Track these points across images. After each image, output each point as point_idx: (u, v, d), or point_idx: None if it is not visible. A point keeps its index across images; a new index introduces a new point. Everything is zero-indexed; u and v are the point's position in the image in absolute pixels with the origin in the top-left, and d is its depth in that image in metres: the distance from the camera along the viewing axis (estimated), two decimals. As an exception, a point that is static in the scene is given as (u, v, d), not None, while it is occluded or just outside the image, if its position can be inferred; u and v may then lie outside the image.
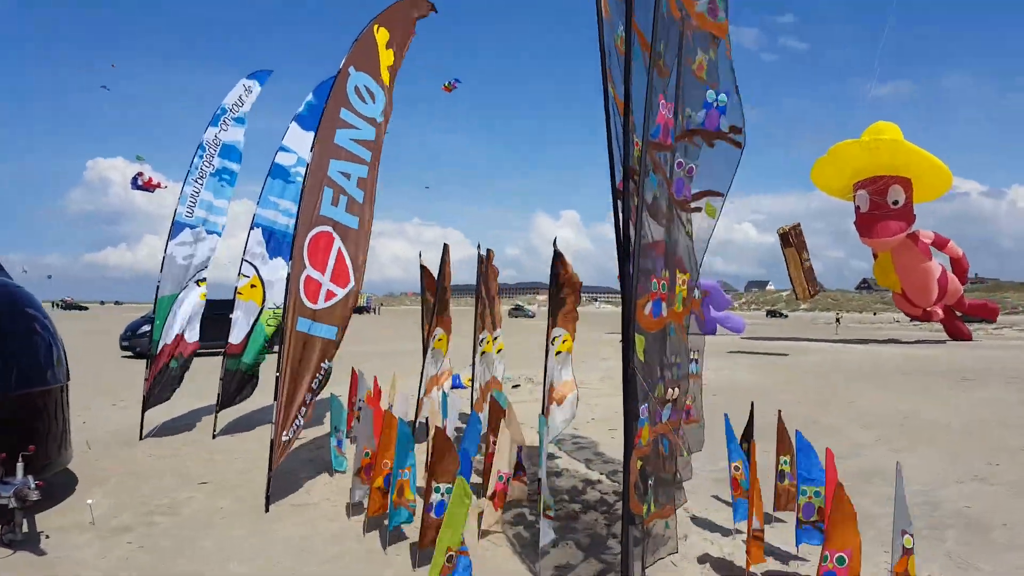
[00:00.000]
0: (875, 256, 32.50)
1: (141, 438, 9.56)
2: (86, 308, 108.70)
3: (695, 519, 6.54)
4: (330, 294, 7.45)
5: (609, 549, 5.72)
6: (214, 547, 5.71)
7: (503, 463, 6.32)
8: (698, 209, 5.19)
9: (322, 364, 7.25)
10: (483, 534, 5.95)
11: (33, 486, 5.32)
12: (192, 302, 10.39)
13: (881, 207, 28.27)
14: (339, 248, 7.61)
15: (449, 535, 4.15)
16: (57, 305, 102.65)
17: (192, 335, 10.42)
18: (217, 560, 5.44)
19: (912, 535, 4.25)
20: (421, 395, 9.10)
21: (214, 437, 9.81)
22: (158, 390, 10.01)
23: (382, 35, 8.38)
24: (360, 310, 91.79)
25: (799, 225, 30.39)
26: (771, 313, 55.22)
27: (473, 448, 6.65)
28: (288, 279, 7.12)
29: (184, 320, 10.33)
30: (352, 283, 7.62)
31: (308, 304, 7.16)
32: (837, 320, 45.98)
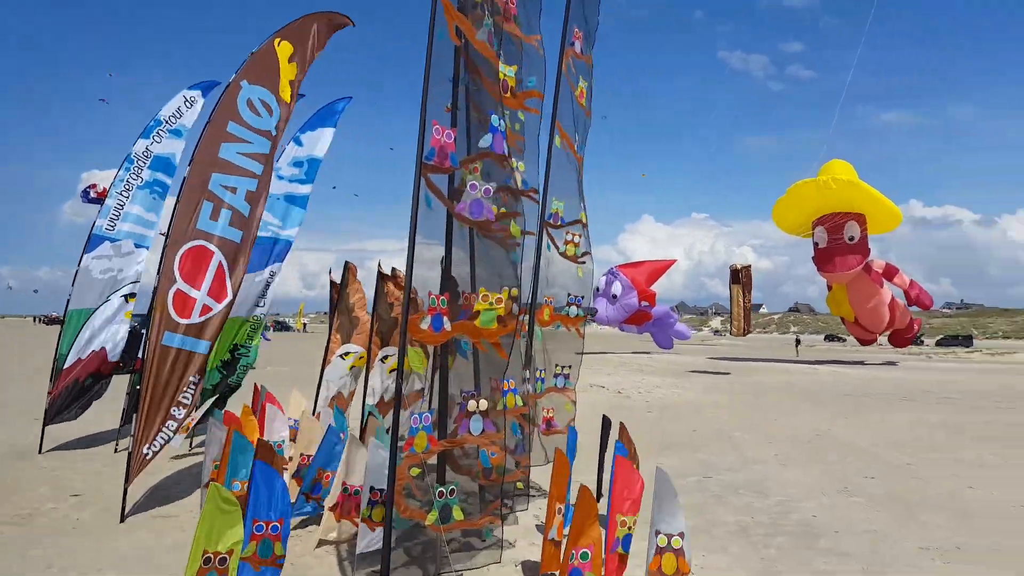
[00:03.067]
0: (829, 288, 33.49)
1: (40, 451, 9.62)
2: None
3: (540, 527, 6.60)
4: (206, 308, 7.52)
5: (439, 559, 5.81)
6: (44, 556, 5.78)
7: (350, 475, 6.41)
8: (503, 230, 5.27)
9: (190, 378, 7.35)
10: (320, 543, 6.04)
11: None
12: (115, 318, 10.36)
13: (838, 242, 29.50)
14: (220, 262, 7.72)
15: (204, 536, 4.21)
16: (39, 320, 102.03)
17: (115, 353, 10.40)
18: (39, 569, 5.51)
19: (677, 535, 4.38)
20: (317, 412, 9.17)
21: (116, 451, 9.87)
22: (63, 405, 10.05)
23: (284, 49, 8.53)
24: (282, 326, 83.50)
25: (750, 267, 31.73)
26: (830, 337, 58.63)
27: (327, 462, 6.72)
28: (155, 293, 7.24)
29: (105, 336, 10.32)
30: (229, 296, 7.72)
31: (178, 319, 7.25)
32: (797, 342, 46.65)
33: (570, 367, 7.56)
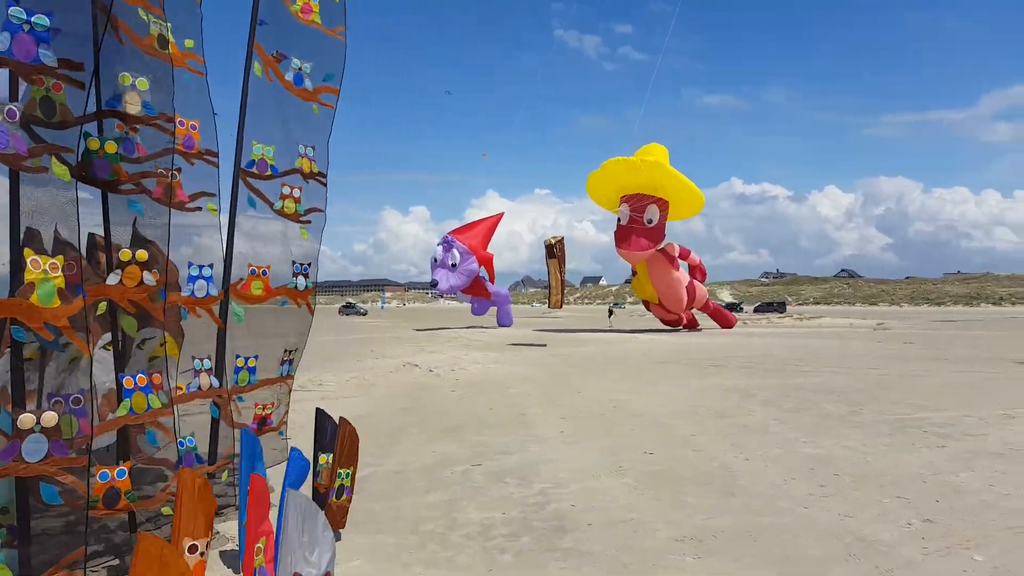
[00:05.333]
0: (634, 273, 34.75)
1: None
2: None
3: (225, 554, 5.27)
4: None
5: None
6: None
7: None
8: (42, 169, 3.69)
9: None
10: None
11: None
12: None
13: (637, 223, 30.24)
14: None
15: None
16: None
17: None
18: None
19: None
20: None
21: None
22: None
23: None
24: None
25: (563, 239, 32.03)
26: (731, 307, 66.26)
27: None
28: None
29: None
30: None
31: None
32: (610, 312, 48.17)
33: (296, 351, 6.22)
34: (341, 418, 5.22)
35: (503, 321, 40.72)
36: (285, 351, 6.01)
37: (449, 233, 37.55)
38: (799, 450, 8.12)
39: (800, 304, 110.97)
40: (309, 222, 6.12)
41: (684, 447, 8.35)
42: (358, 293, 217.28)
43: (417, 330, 40.08)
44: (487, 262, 38.71)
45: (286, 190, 5.91)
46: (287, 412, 6.15)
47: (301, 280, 6.06)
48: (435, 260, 36.94)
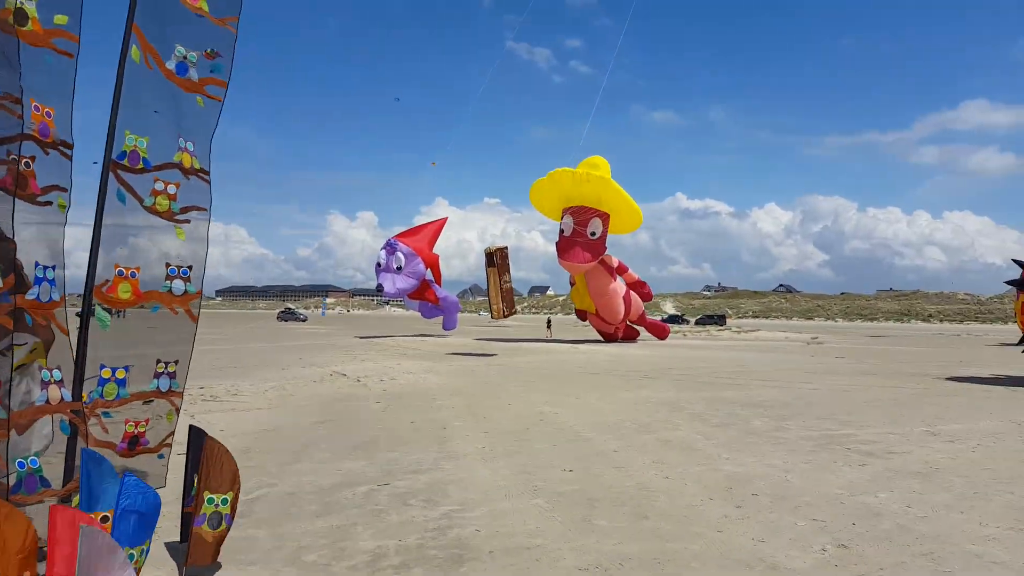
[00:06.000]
0: (572, 284, 35.02)
1: None
2: None
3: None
4: None
5: None
6: None
7: None
8: None
9: None
10: None
11: None
12: None
13: (581, 235, 30.44)
14: None
15: None
16: None
17: None
18: None
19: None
20: None
21: None
22: None
23: None
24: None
25: (505, 248, 31.69)
26: (674, 319, 73.19)
27: None
28: None
29: None
30: None
31: None
32: (548, 324, 48.07)
33: (177, 362, 5.59)
34: (208, 436, 4.71)
35: (447, 326, 40.21)
36: (159, 362, 5.42)
37: (393, 237, 36.88)
38: (720, 468, 7.87)
39: (740, 317, 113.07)
40: (187, 221, 5.54)
41: (604, 464, 8.02)
42: (301, 298, 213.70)
43: (357, 337, 39.29)
44: (433, 264, 38.19)
45: (159, 185, 5.32)
46: (172, 433, 5.54)
47: (179, 284, 5.46)
48: (379, 264, 36.17)
